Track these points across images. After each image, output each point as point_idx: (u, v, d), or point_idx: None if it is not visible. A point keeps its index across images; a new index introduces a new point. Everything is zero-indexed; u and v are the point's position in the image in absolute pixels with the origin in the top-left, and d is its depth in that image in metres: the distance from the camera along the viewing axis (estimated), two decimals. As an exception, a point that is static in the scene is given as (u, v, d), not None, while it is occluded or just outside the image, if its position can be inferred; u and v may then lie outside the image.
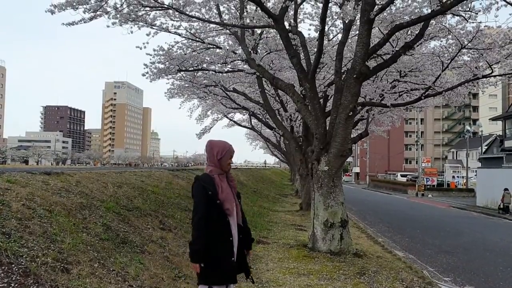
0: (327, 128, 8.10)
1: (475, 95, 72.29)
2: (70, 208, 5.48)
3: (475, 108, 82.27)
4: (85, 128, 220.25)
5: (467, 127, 46.25)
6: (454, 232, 17.07)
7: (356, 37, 12.45)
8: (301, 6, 11.71)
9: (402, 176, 64.57)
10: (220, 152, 3.29)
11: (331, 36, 13.16)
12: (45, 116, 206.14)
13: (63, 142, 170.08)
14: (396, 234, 15.18)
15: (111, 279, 4.25)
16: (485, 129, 45.79)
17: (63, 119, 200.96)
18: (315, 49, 11.09)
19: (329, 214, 7.84)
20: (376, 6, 7.94)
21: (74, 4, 7.14)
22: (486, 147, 44.39)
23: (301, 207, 17.43)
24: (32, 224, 4.48)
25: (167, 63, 13.08)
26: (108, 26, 8.75)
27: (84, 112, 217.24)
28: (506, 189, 25.78)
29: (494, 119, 41.57)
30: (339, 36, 13.12)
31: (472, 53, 11.77)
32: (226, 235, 3.20)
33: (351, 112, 7.57)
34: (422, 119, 67.86)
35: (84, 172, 8.09)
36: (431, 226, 18.94)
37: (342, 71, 8.77)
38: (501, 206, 25.69)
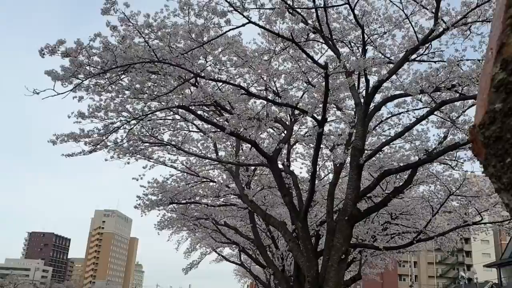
0: (319, 270, 7.84)
1: (467, 240, 71.67)
2: None
3: (468, 253, 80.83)
4: (69, 256, 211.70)
5: (462, 274, 44.89)
6: None
7: (347, 178, 12.86)
8: (294, 146, 12.29)
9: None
10: None
11: (322, 175, 13.54)
12: (28, 243, 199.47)
13: (43, 271, 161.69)
14: None
15: None
16: (479, 275, 44.37)
17: (47, 246, 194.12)
18: (307, 187, 11.34)
19: None
20: (366, 151, 8.33)
21: (77, 137, 7.44)
22: (483, 295, 42.51)
23: None
24: None
25: (160, 195, 13.17)
26: (106, 160, 9.04)
27: (69, 240, 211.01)
28: None
29: (488, 266, 40.63)
30: (330, 175, 13.53)
31: (460, 199, 12.03)
32: None
33: (344, 255, 7.40)
34: (415, 262, 66.17)
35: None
36: None
37: (334, 211, 8.81)
38: None
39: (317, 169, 10.20)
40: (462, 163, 10.33)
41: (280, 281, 17.38)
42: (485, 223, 12.11)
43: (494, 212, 11.84)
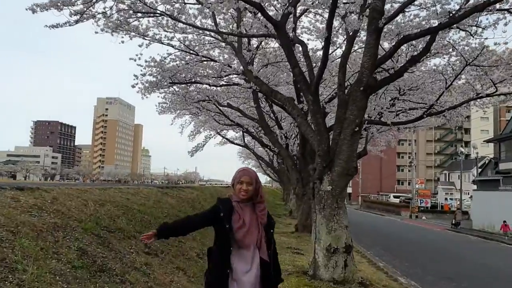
0: (330, 144, 7.49)
1: (467, 117, 72.47)
2: (41, 229, 4.75)
3: (467, 130, 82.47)
4: (76, 144, 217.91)
5: (461, 149, 45.87)
6: (453, 257, 16.47)
7: (356, 53, 12.04)
8: (300, 19, 11.27)
9: (395, 197, 63.91)
10: (233, 178, 3.12)
11: (330, 50, 12.68)
12: (35, 131, 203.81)
13: (53, 157, 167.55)
14: (394, 258, 14.47)
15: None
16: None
17: (53, 134, 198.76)
18: (316, 62, 10.60)
19: (332, 238, 7.16)
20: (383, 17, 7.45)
21: (59, 4, 6.54)
22: (480, 170, 44.04)
23: (296, 229, 16.68)
24: (-11, 249, 3.76)
25: (159, 76, 12.47)
26: (96, 32, 8.17)
27: (75, 127, 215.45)
28: (458, 209, 35.40)
29: (488, 141, 41.34)
30: (338, 52, 12.70)
31: (477, 70, 11.35)
32: (223, 264, 2.88)
33: (357, 128, 6.98)
34: (414, 141, 67.69)
35: (63, 188, 7.37)
36: (428, 250, 18.31)
37: (345, 85, 8.20)
38: (453, 222, 31.90)
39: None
40: (483, 29, 9.46)
41: (285, 159, 17.56)
42: (499, 95, 11.59)
43: (510, 83, 11.25)
